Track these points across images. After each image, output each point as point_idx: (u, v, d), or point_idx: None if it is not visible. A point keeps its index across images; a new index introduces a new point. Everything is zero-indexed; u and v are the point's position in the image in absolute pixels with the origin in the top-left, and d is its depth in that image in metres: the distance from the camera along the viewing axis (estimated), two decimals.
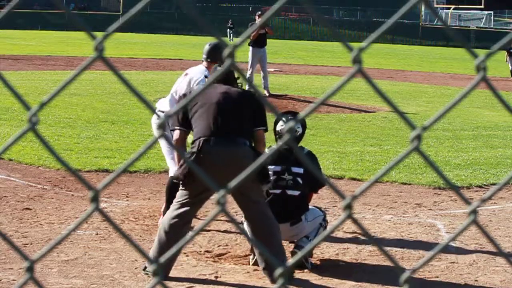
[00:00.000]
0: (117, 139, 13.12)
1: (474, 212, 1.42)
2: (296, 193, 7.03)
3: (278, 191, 7.00)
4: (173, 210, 6.51)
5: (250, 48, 20.67)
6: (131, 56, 35.24)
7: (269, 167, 6.89)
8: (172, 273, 6.44)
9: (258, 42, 20.33)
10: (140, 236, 7.74)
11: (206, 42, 8.45)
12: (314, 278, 6.66)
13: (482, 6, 65.26)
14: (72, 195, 9.33)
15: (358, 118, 17.50)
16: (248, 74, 20.37)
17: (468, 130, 16.36)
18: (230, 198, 7.10)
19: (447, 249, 7.47)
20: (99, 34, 1.42)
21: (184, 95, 8.13)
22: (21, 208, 8.58)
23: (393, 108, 1.40)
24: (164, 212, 7.68)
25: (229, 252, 7.35)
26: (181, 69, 18.84)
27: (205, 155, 6.32)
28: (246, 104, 6.58)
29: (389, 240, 7.93)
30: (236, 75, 6.88)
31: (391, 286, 6.46)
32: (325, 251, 7.48)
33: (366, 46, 1.34)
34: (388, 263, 6.99)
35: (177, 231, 6.40)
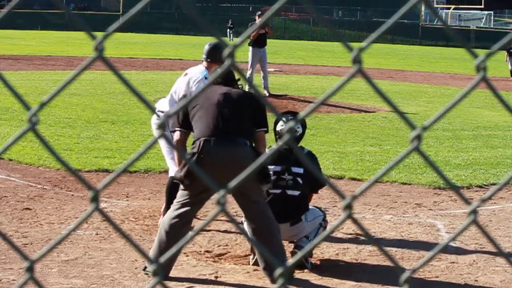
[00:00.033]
0: (117, 139, 13.12)
1: (474, 212, 1.42)
2: (296, 193, 7.03)
3: (278, 191, 7.00)
4: (174, 210, 6.51)
5: (250, 48, 20.67)
6: (131, 56, 35.24)
7: (269, 167, 6.89)
8: (172, 273, 6.44)
9: (258, 42, 20.33)
10: (140, 236, 7.74)
11: (206, 42, 8.44)
12: (314, 278, 6.66)
13: (482, 6, 65.27)
14: (72, 195, 9.33)
15: (358, 118, 17.50)
16: (248, 74, 20.37)
17: (468, 130, 16.36)
18: (230, 198, 7.10)
19: (447, 249, 7.47)
20: (99, 34, 1.42)
21: (185, 96, 8.13)
22: (21, 208, 8.58)
23: (393, 108, 1.40)
24: (164, 212, 7.68)
25: (229, 252, 7.35)
26: (181, 69, 18.84)
27: (205, 156, 6.32)
28: (246, 105, 6.58)
29: (389, 240, 7.93)
30: (236, 76, 6.89)
31: (391, 286, 6.46)
32: (325, 251, 7.48)
33: (366, 46, 1.34)
34: (388, 263, 6.99)
35: (177, 231, 6.40)
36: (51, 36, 53.67)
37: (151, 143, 1.39)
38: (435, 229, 8.48)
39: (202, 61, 8.34)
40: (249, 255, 7.12)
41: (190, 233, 6.10)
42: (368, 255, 7.38)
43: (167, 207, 7.67)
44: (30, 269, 1.46)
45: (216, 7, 77.02)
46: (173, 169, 7.92)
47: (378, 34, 1.41)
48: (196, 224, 7.63)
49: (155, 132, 8.59)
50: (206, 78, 8.13)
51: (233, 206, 7.71)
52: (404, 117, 1.41)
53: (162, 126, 1.41)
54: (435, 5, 67.74)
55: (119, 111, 16.76)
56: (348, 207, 1.39)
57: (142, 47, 43.62)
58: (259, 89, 20.14)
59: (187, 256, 7.10)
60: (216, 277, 6.60)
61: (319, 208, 7.37)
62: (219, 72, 1.49)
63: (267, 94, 20.54)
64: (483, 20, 75.62)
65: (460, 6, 71.00)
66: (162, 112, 8.12)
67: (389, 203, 9.62)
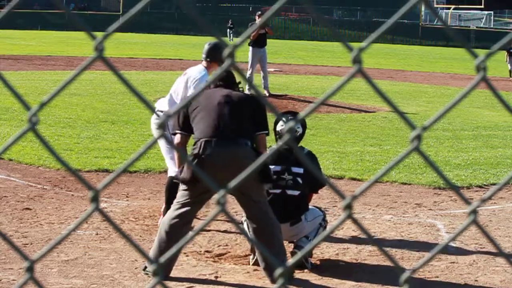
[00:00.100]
0: (117, 139, 13.12)
1: (474, 212, 1.42)
2: (296, 193, 7.03)
3: (278, 191, 7.00)
4: (174, 210, 6.52)
5: (250, 48, 20.67)
6: (131, 56, 35.24)
7: (269, 167, 6.89)
8: (172, 273, 6.44)
9: (258, 42, 20.33)
10: (140, 236, 7.74)
11: (206, 42, 8.45)
12: (314, 278, 6.66)
13: (482, 6, 65.27)
14: (72, 195, 9.33)
15: (358, 118, 17.50)
16: (248, 74, 20.37)
17: (468, 130, 16.36)
18: (230, 198, 7.11)
19: (447, 249, 7.47)
20: (99, 34, 1.42)
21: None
22: (21, 208, 8.58)
23: (393, 108, 1.40)
24: (164, 213, 7.68)
25: (229, 252, 7.35)
26: (181, 69, 18.84)
27: (206, 156, 6.33)
28: (247, 107, 6.59)
29: (389, 240, 7.93)
30: (237, 79, 6.92)
31: (391, 286, 6.46)
32: (325, 251, 7.48)
33: (366, 46, 1.34)
34: (388, 263, 6.99)
35: (178, 231, 6.40)
36: (51, 36, 53.68)
37: (151, 143, 1.39)
38: (435, 229, 8.48)
39: (202, 60, 8.34)
40: (249, 255, 7.12)
41: (190, 233, 6.11)
42: (368, 255, 7.38)
43: (167, 207, 7.67)
44: (30, 269, 1.46)
45: (216, 7, 77.02)
46: (173, 169, 7.92)
47: (378, 34, 1.41)
48: (196, 224, 7.63)
49: (155, 132, 8.61)
50: (205, 78, 8.13)
51: (233, 206, 7.72)
52: (404, 117, 1.41)
53: (162, 126, 1.41)
54: (435, 5, 67.74)
55: (119, 111, 16.76)
56: (348, 207, 1.39)
57: (142, 47, 43.62)
58: (259, 89, 20.14)
59: (187, 256, 7.10)
60: (216, 277, 6.60)
61: (319, 208, 7.38)
62: (219, 72, 1.48)
63: (267, 94, 20.54)
64: (483, 20, 75.63)
65: (460, 6, 71.01)
66: (162, 112, 8.12)
67: (389, 203, 9.62)
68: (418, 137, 1.38)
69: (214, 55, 8.17)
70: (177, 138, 6.69)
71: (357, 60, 1.35)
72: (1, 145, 10.80)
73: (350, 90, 22.10)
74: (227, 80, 6.80)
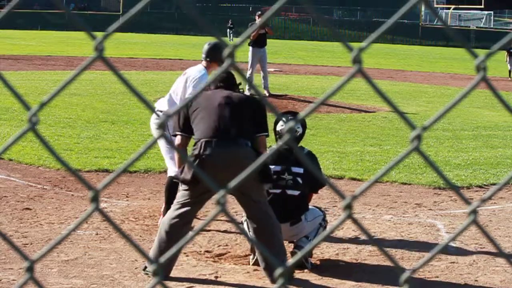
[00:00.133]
0: (117, 139, 13.12)
1: (474, 212, 1.42)
2: (296, 193, 7.03)
3: (278, 191, 7.00)
4: (174, 210, 6.52)
5: (250, 48, 20.67)
6: (131, 56, 35.25)
7: (269, 167, 6.89)
8: (172, 273, 6.44)
9: (258, 42, 20.33)
10: (140, 236, 7.74)
11: (206, 42, 8.45)
12: (314, 278, 6.66)
13: (482, 6, 65.27)
14: (72, 195, 9.33)
15: (358, 118, 17.50)
16: (248, 74, 20.37)
17: (468, 130, 16.36)
18: (230, 198, 7.11)
19: (447, 249, 7.47)
20: (99, 34, 1.42)
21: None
22: (21, 208, 8.58)
23: (393, 108, 1.40)
24: (164, 213, 7.68)
25: (229, 252, 7.35)
26: (181, 69, 18.84)
27: (206, 157, 6.33)
28: (247, 108, 6.60)
29: (389, 240, 7.93)
30: (237, 81, 6.93)
31: (391, 286, 6.46)
32: (325, 251, 7.48)
33: (366, 46, 1.34)
34: (388, 263, 6.99)
35: (178, 231, 6.40)
36: (51, 36, 53.68)
37: (151, 143, 1.39)
38: (435, 229, 8.48)
39: (202, 60, 8.35)
40: (249, 255, 7.12)
41: (190, 233, 6.11)
42: (368, 255, 7.38)
43: (167, 207, 7.67)
44: (30, 269, 1.46)
45: (216, 7, 77.02)
46: (172, 169, 7.92)
47: (378, 34, 1.41)
48: (196, 224, 7.63)
49: (154, 132, 8.60)
50: (204, 78, 8.12)
51: (233, 206, 7.72)
52: (404, 117, 1.41)
53: (161, 126, 1.41)
54: (435, 5, 67.74)
55: (119, 111, 16.76)
56: (348, 207, 1.39)
57: (142, 47, 43.63)
58: (259, 89, 20.14)
59: (187, 256, 7.10)
60: (216, 277, 6.60)
61: (319, 208, 7.37)
62: (219, 72, 1.49)
63: (267, 94, 20.54)
64: (483, 20, 75.63)
65: (460, 6, 71.02)
66: (161, 111, 8.12)
67: (389, 203, 9.62)
68: (418, 137, 1.38)
69: (213, 55, 8.17)
70: (177, 140, 6.69)
71: (357, 60, 1.35)
72: (1, 145, 10.80)
73: (350, 90, 22.10)
74: (227, 82, 6.82)
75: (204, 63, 8.27)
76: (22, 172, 10.41)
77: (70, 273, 6.49)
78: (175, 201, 6.65)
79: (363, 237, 7.81)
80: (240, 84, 6.99)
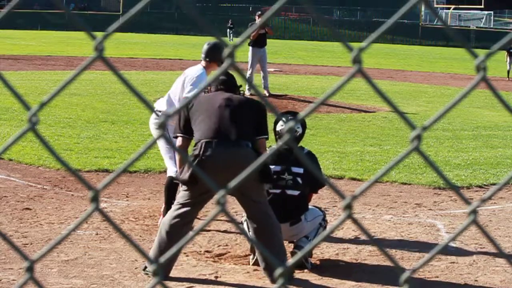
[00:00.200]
0: (117, 139, 13.12)
1: (474, 212, 1.42)
2: (296, 193, 7.03)
3: (277, 191, 7.00)
4: (174, 210, 6.52)
5: (250, 48, 20.67)
6: (131, 56, 35.25)
7: (269, 167, 6.89)
8: (172, 273, 6.44)
9: (258, 42, 20.33)
10: (140, 236, 7.74)
11: (205, 42, 8.45)
12: (314, 278, 6.66)
13: (482, 6, 65.27)
14: (72, 195, 9.33)
15: (358, 118, 17.50)
16: (248, 74, 20.36)
17: (468, 130, 16.36)
18: (230, 198, 7.11)
19: (447, 249, 7.47)
20: (99, 34, 1.42)
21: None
22: (21, 208, 8.58)
23: (393, 108, 1.40)
24: (164, 213, 7.68)
25: (229, 252, 7.35)
26: (181, 69, 18.85)
27: (207, 157, 6.33)
28: (247, 110, 6.61)
29: (389, 240, 7.93)
30: (238, 83, 6.96)
31: (391, 286, 6.46)
32: (325, 251, 7.48)
33: (366, 46, 1.34)
34: (388, 263, 6.99)
35: (178, 231, 6.40)
36: (51, 36, 53.68)
37: (151, 143, 1.39)
38: (435, 229, 8.48)
39: (201, 60, 8.35)
40: (249, 255, 7.12)
41: (190, 233, 6.12)
42: (368, 255, 7.38)
43: (167, 207, 7.67)
44: (30, 269, 1.46)
45: (216, 7, 77.02)
46: (172, 169, 7.92)
47: (378, 34, 1.41)
48: (196, 224, 7.63)
49: (154, 132, 8.60)
50: (203, 77, 8.12)
51: (233, 206, 7.72)
52: (404, 117, 1.41)
53: (161, 126, 1.41)
54: (435, 5, 67.75)
55: (119, 111, 16.76)
56: (348, 207, 1.39)
57: (142, 47, 43.63)
58: (259, 89, 20.14)
59: (187, 256, 7.10)
60: (216, 277, 6.60)
61: (319, 208, 7.38)
62: (219, 72, 1.48)
63: (267, 94, 20.54)
64: (483, 20, 75.63)
65: (460, 6, 71.01)
66: (160, 112, 8.12)
67: (389, 203, 9.62)
68: (418, 137, 1.38)
69: (213, 55, 8.18)
70: (178, 141, 6.70)
71: (357, 60, 1.35)
72: (1, 145, 10.80)
73: (350, 90, 22.10)
74: (228, 84, 6.84)
75: (203, 63, 8.27)
76: (22, 172, 10.41)
77: (70, 273, 6.49)
78: (175, 202, 6.65)
79: (363, 237, 7.81)
80: (240, 86, 7.00)
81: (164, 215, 7.44)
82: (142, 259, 6.80)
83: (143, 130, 13.85)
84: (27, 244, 7.25)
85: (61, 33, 57.63)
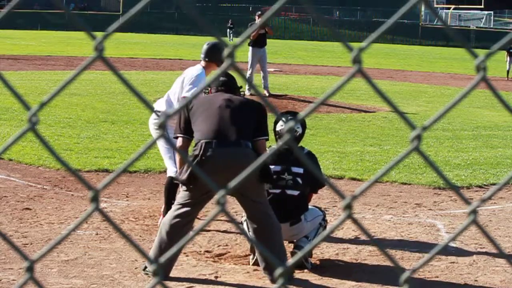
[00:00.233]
0: (117, 139, 13.12)
1: (474, 212, 1.42)
2: (296, 193, 7.03)
3: (277, 191, 7.00)
4: (175, 211, 6.52)
5: (250, 48, 20.67)
6: (131, 56, 35.25)
7: (270, 167, 6.89)
8: (172, 273, 6.44)
9: (258, 42, 20.33)
10: (140, 236, 7.74)
11: (206, 42, 8.46)
12: (314, 278, 6.66)
13: (482, 6, 65.26)
14: (72, 195, 9.33)
15: (358, 118, 17.50)
16: (248, 74, 20.36)
17: (468, 130, 16.36)
18: (230, 198, 7.11)
19: (447, 249, 7.47)
20: (99, 34, 1.42)
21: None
22: (21, 208, 8.58)
23: (393, 108, 1.40)
24: (164, 213, 7.68)
25: (229, 252, 7.35)
26: (181, 69, 18.85)
27: (207, 158, 6.33)
28: (248, 111, 6.61)
29: (389, 240, 7.93)
30: (238, 84, 6.97)
31: (391, 286, 6.46)
32: (325, 251, 7.48)
33: (366, 46, 1.34)
34: (388, 263, 6.99)
35: (178, 231, 6.40)
36: (51, 36, 53.68)
37: (150, 143, 1.39)
38: (435, 229, 8.48)
39: (201, 60, 8.35)
40: (249, 255, 7.12)
41: (190, 233, 6.11)
42: (368, 255, 7.38)
43: (167, 207, 7.67)
44: (30, 269, 1.46)
45: (216, 7, 77.02)
46: (172, 169, 7.92)
47: (378, 34, 1.41)
48: (196, 224, 7.63)
49: (153, 132, 8.60)
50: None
51: (233, 206, 7.72)
52: (404, 117, 1.41)
53: (161, 126, 1.41)
54: (435, 5, 67.74)
55: (119, 111, 16.76)
56: (348, 207, 1.39)
57: (142, 47, 43.63)
58: (259, 89, 20.13)
59: (187, 256, 7.10)
60: (216, 277, 6.60)
61: (319, 208, 7.38)
62: (219, 72, 1.48)
63: (267, 94, 20.53)
64: (483, 20, 75.63)
65: (460, 6, 71.01)
66: (160, 112, 8.12)
67: (389, 203, 9.62)
68: (418, 137, 1.38)
69: (212, 55, 8.18)
70: (178, 142, 6.70)
71: (357, 60, 1.35)
72: (1, 145, 10.80)
73: (350, 90, 22.10)
74: (228, 85, 6.85)
75: (202, 63, 8.27)
76: (22, 172, 10.41)
77: (70, 273, 6.49)
78: (175, 202, 6.66)
79: (363, 237, 7.81)
80: (241, 87, 7.01)
81: (164, 215, 7.44)
82: (142, 259, 6.80)
83: (143, 130, 13.85)
84: (27, 244, 7.25)
85: (61, 33, 57.63)
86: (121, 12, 62.66)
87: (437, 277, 6.84)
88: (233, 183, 1.41)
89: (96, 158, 11.37)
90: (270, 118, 6.89)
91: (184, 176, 6.36)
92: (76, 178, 1.44)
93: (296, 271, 6.74)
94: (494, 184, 10.81)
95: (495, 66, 34.79)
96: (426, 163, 1.62)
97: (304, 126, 7.48)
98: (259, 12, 22.34)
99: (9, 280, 6.23)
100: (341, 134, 14.91)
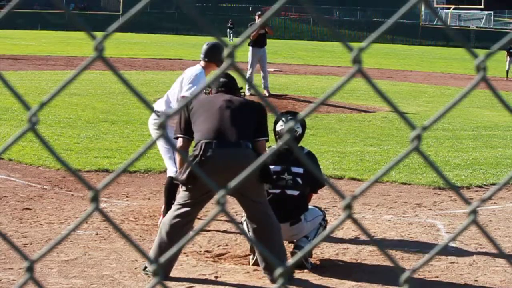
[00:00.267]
0: (117, 139, 13.12)
1: (474, 212, 1.42)
2: (296, 193, 7.03)
3: (277, 191, 7.00)
4: (175, 211, 6.53)
5: (250, 48, 20.67)
6: (131, 56, 35.25)
7: (269, 167, 6.89)
8: (172, 273, 6.44)
9: (258, 42, 20.33)
10: (140, 236, 7.74)
11: (206, 42, 8.46)
12: (314, 278, 6.66)
13: (482, 6, 65.27)
14: (72, 195, 9.33)
15: (358, 118, 17.50)
16: (248, 74, 20.36)
17: (468, 130, 16.36)
18: (230, 198, 7.11)
19: (447, 249, 7.47)
20: (99, 34, 1.42)
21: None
22: (21, 208, 8.58)
23: (393, 108, 1.40)
24: (164, 213, 7.68)
25: (229, 252, 7.35)
26: (181, 69, 18.86)
27: (207, 158, 6.33)
28: (248, 112, 6.61)
29: (389, 240, 7.93)
30: (239, 85, 6.97)
31: (391, 286, 6.46)
32: (325, 251, 7.48)
33: (366, 46, 1.34)
34: (388, 263, 6.99)
35: (178, 231, 6.41)
36: (51, 36, 53.68)
37: (150, 143, 1.39)
38: (435, 229, 8.48)
39: (200, 60, 8.35)
40: (249, 255, 7.12)
41: (190, 233, 6.11)
42: (368, 255, 7.38)
43: (167, 207, 7.67)
44: (30, 269, 1.46)
45: (216, 7, 77.02)
46: (171, 169, 7.92)
47: (378, 34, 1.41)
48: (196, 224, 7.63)
49: (153, 132, 8.60)
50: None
51: (233, 206, 7.72)
52: (404, 117, 1.41)
53: (162, 126, 1.41)
54: (435, 5, 67.74)
55: (119, 111, 16.76)
56: (348, 207, 1.39)
57: (142, 47, 43.63)
58: (259, 89, 20.13)
59: (187, 256, 7.10)
60: (216, 277, 6.60)
61: (319, 208, 7.38)
62: (219, 72, 1.49)
63: (267, 94, 20.54)
64: (483, 20, 75.63)
65: (460, 6, 71.01)
66: (159, 112, 8.12)
67: (389, 203, 9.62)
68: (418, 137, 1.38)
69: (212, 55, 8.18)
70: (179, 142, 6.71)
71: (357, 60, 1.35)
72: (1, 145, 10.80)
73: (350, 90, 22.10)
74: (229, 86, 6.85)
75: (202, 63, 8.27)
76: (22, 172, 10.41)
77: (70, 273, 6.49)
78: (175, 202, 6.66)
79: (363, 237, 7.81)
80: (241, 88, 7.02)
81: (164, 215, 7.44)
82: (142, 259, 6.80)
83: (143, 130, 13.85)
84: (27, 244, 7.25)
85: (61, 33, 57.63)
86: (121, 12, 62.65)
87: (437, 277, 6.84)
88: (233, 183, 1.41)
89: (96, 158, 11.37)
90: (270, 118, 6.89)
91: (183, 176, 6.36)
92: (76, 178, 1.44)
93: (296, 271, 6.74)
94: (494, 184, 10.81)
95: (495, 66, 34.79)
96: (426, 163, 1.62)
97: (304, 126, 7.48)
98: (259, 12, 22.34)
99: (9, 280, 6.23)
100: (341, 134, 14.91)
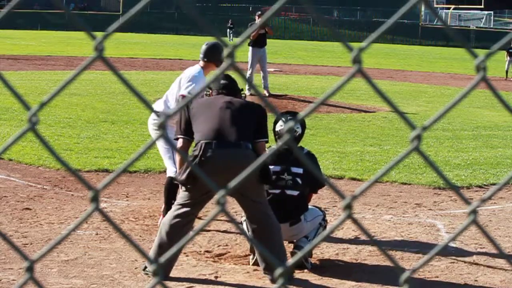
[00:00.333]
0: (117, 139, 13.12)
1: (474, 212, 1.42)
2: (295, 193, 7.03)
3: (277, 191, 6.99)
4: (175, 211, 6.53)
5: (250, 48, 20.67)
6: (131, 56, 35.25)
7: (269, 167, 6.89)
8: (172, 273, 6.44)
9: (258, 42, 20.33)
10: (140, 236, 7.74)
11: (205, 42, 8.46)
12: (314, 278, 6.66)
13: (482, 6, 65.26)
14: (72, 195, 9.32)
15: (358, 118, 17.50)
16: (248, 74, 20.36)
17: (468, 130, 16.36)
18: (230, 198, 7.11)
19: (447, 249, 7.47)
20: (99, 34, 1.42)
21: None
22: (21, 208, 8.58)
23: (393, 108, 1.40)
24: (164, 213, 7.68)
25: (229, 252, 7.35)
26: (181, 69, 18.85)
27: (207, 158, 6.34)
28: (248, 113, 6.62)
29: (389, 240, 7.93)
30: (240, 86, 6.98)
31: (391, 286, 6.46)
32: (325, 251, 7.48)
33: (366, 46, 1.34)
34: (388, 263, 6.99)
35: (178, 231, 6.41)
36: (51, 36, 53.68)
37: (150, 143, 1.39)
38: (435, 229, 8.48)
39: (199, 60, 8.35)
40: (249, 255, 7.12)
41: (190, 233, 6.10)
42: (368, 255, 7.38)
43: (167, 207, 7.67)
44: (30, 269, 1.46)
45: (216, 7, 77.02)
46: (171, 169, 7.92)
47: (378, 34, 1.41)
48: (196, 224, 7.63)
49: (152, 132, 8.60)
50: (199, 77, 8.12)
51: (233, 206, 7.72)
52: (404, 117, 1.41)
53: (161, 126, 1.41)
54: (435, 5, 67.73)
55: (119, 111, 16.76)
56: (348, 207, 1.39)
57: (142, 47, 43.63)
58: (259, 89, 20.13)
59: (187, 256, 7.10)
60: (216, 277, 6.60)
61: (319, 208, 7.38)
62: (219, 72, 1.49)
63: (267, 94, 20.54)
64: (483, 20, 75.63)
65: (460, 6, 71.00)
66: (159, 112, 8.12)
67: (389, 203, 9.62)
68: (418, 137, 1.38)
69: (211, 55, 8.18)
70: (179, 143, 6.71)
71: (357, 60, 1.35)
72: (1, 145, 10.80)
73: (350, 90, 22.10)
74: (229, 88, 6.86)
75: (201, 63, 8.27)
76: (22, 172, 10.41)
77: (70, 273, 6.49)
78: (175, 202, 6.66)
79: (363, 237, 7.81)
80: (242, 90, 7.03)
81: (164, 215, 7.44)
82: (142, 259, 6.80)
83: (143, 130, 13.84)
84: (27, 244, 7.25)
85: (61, 33, 57.63)
86: (121, 12, 62.65)
87: (437, 277, 6.84)
88: (233, 184, 1.41)
89: (96, 158, 11.37)
90: (270, 118, 6.89)
91: (183, 177, 6.36)
92: (76, 178, 1.44)
93: (296, 271, 6.74)
94: (494, 184, 10.81)
95: (495, 66, 34.78)
96: (426, 163, 1.62)
97: (303, 126, 7.48)
98: (259, 12, 22.34)
99: (9, 280, 6.23)
100: (341, 134, 14.91)
